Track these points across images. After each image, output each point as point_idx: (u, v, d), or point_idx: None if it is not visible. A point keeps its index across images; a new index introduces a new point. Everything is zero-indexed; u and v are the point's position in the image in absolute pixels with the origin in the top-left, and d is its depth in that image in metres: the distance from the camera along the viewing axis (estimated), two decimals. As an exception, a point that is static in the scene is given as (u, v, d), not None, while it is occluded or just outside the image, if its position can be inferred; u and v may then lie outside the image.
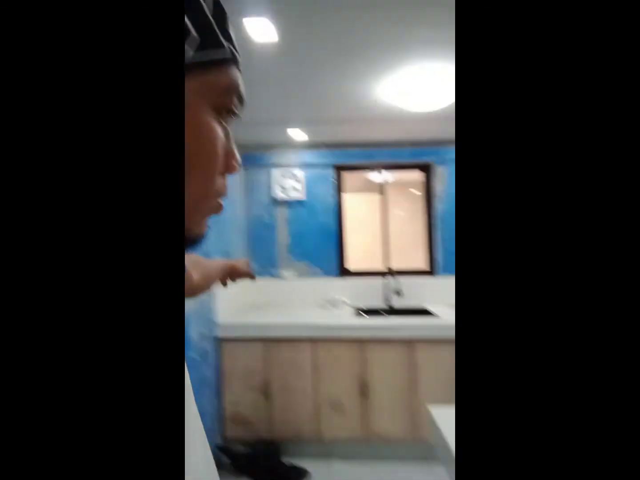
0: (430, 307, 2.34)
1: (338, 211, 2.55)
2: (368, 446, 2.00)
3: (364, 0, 1.08)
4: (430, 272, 2.57)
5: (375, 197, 2.93)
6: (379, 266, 2.61)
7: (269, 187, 2.54)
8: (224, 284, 0.78)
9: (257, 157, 2.52)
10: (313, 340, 1.99)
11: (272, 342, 2.00)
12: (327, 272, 2.52)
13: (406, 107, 1.80)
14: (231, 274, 0.78)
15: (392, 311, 2.36)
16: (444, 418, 0.85)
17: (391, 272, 2.43)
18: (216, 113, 0.25)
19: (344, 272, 2.56)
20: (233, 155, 0.28)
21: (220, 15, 0.25)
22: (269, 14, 1.14)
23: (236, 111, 0.27)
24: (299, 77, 1.56)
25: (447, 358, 1.95)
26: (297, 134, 2.29)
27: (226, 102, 0.26)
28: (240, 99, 0.28)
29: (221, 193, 0.28)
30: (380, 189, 2.66)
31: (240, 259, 0.85)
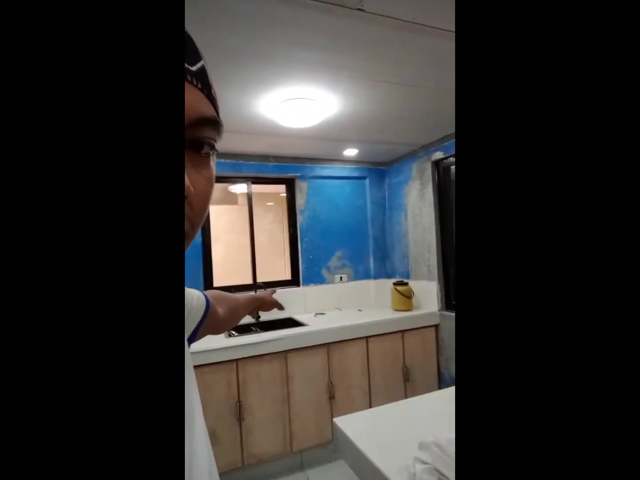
0: (297, 317, 2.45)
1: (203, 225, 2.40)
2: (245, 470, 1.95)
3: (259, 17, 1.07)
4: (295, 283, 2.69)
5: (238, 209, 2.88)
6: (246, 278, 2.58)
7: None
8: (256, 317, 0.79)
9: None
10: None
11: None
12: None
13: (282, 123, 1.85)
14: (260, 307, 0.83)
15: (262, 325, 2.37)
16: (345, 423, 0.92)
17: (258, 286, 2.44)
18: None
19: (210, 289, 2.41)
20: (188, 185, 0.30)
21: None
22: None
23: None
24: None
25: (317, 363, 2.08)
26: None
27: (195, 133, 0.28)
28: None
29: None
30: (247, 200, 2.64)
31: (266, 291, 0.90)
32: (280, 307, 0.88)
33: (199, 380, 1.79)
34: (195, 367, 1.80)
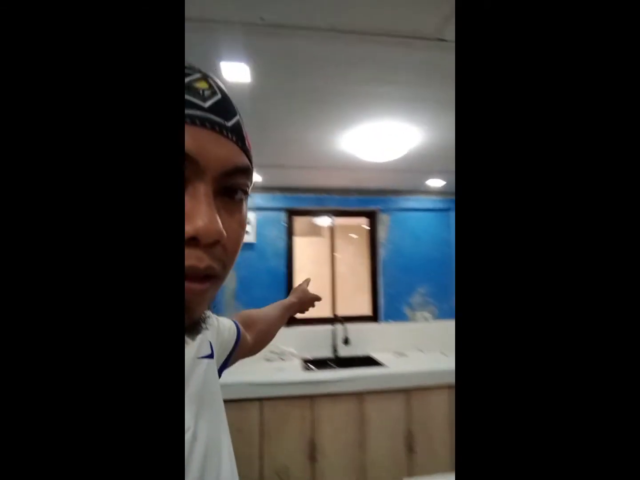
0: (375, 355, 2.33)
1: (288, 255, 2.48)
2: (316, 515, 1.85)
3: (338, 57, 1.10)
4: (374, 319, 2.59)
5: (321, 241, 2.93)
6: (326, 312, 2.56)
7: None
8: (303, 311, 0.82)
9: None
10: (261, 400, 1.83)
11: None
12: (274, 320, 2.39)
13: (364, 157, 1.86)
14: (299, 311, 0.82)
15: (339, 361, 2.30)
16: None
17: (338, 319, 2.40)
18: None
19: (291, 320, 2.45)
20: None
21: None
22: (245, 58, 1.10)
23: None
24: (264, 120, 1.52)
25: (394, 408, 1.92)
26: (254, 177, 2.22)
27: None
28: None
29: None
30: (329, 232, 2.67)
31: (302, 286, 0.86)
32: (319, 298, 0.86)
33: (274, 413, 1.80)
34: (270, 399, 1.81)
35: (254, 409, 1.82)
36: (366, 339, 2.46)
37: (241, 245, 0.30)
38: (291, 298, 0.82)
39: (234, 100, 1.16)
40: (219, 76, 1.17)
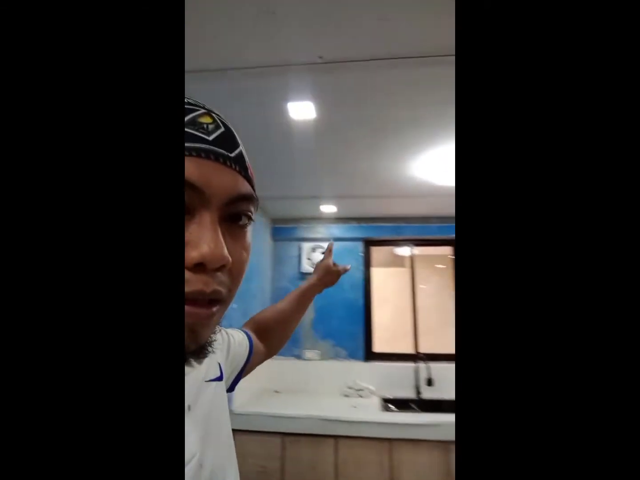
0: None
1: (365, 286, 2.43)
2: None
3: (398, 83, 1.08)
4: (465, 358, 2.34)
5: (402, 272, 2.81)
6: (407, 346, 2.41)
7: (298, 260, 2.48)
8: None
9: (286, 230, 2.50)
10: (336, 437, 1.76)
11: (290, 437, 1.78)
12: (352, 354, 2.32)
13: (438, 182, 1.76)
14: (324, 287, 0.76)
15: (422, 404, 2.11)
16: None
17: (421, 357, 2.22)
18: None
19: (370, 355, 2.36)
20: None
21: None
22: (309, 96, 1.15)
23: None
24: (333, 153, 1.56)
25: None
26: (328, 208, 2.27)
27: None
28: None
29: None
30: (410, 263, 2.56)
31: (320, 263, 0.78)
32: (347, 269, 0.79)
33: (350, 454, 1.70)
34: (346, 437, 1.73)
35: (328, 447, 1.75)
36: (453, 380, 2.22)
37: (246, 269, 0.31)
38: (311, 279, 0.76)
39: (301, 137, 1.21)
40: (287, 117, 1.25)
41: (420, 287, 2.53)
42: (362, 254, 2.46)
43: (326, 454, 1.75)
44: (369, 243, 2.49)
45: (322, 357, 2.34)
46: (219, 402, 0.41)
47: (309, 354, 2.34)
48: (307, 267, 2.42)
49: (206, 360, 0.34)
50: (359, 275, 2.43)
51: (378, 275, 2.75)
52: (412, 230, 2.47)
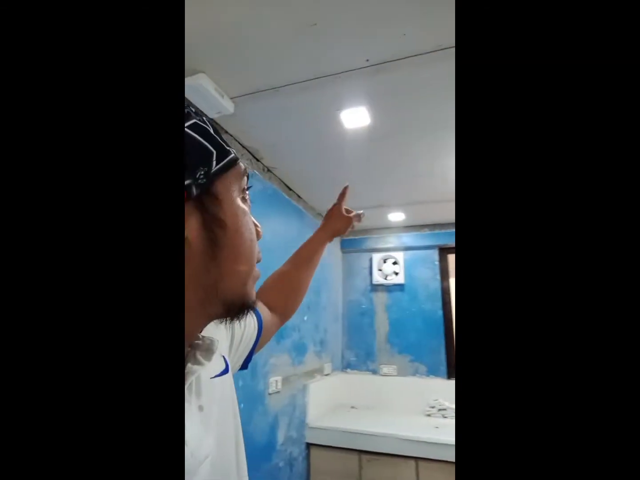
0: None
1: (443, 297, 2.27)
2: None
3: (446, 79, 1.01)
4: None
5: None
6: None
7: (369, 272, 2.43)
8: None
9: (356, 241, 2.48)
10: (416, 460, 1.64)
11: (367, 455, 1.71)
12: (432, 370, 2.17)
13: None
14: (336, 235, 0.70)
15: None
16: None
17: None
18: (241, 194, 0.35)
19: (453, 371, 2.18)
20: (257, 225, 0.37)
21: (217, 130, 0.34)
22: (362, 101, 1.14)
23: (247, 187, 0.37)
24: (391, 159, 1.51)
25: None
26: (397, 217, 2.20)
27: (244, 184, 0.36)
28: (247, 177, 0.37)
29: (259, 259, 0.36)
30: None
31: (330, 210, 0.72)
32: (360, 219, 0.72)
33: (429, 478, 1.57)
34: (426, 460, 1.60)
35: (409, 469, 1.64)
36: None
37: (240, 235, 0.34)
38: (320, 231, 0.69)
39: (356, 144, 1.21)
40: (341, 126, 1.25)
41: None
42: (438, 262, 2.31)
43: (405, 476, 1.63)
44: (445, 250, 2.34)
45: (400, 373, 2.23)
46: (227, 396, 0.40)
47: (385, 369, 2.25)
48: (378, 278, 2.35)
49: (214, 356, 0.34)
50: (435, 284, 2.28)
51: (459, 285, 2.56)
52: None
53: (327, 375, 2.10)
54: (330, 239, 0.69)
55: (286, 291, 0.63)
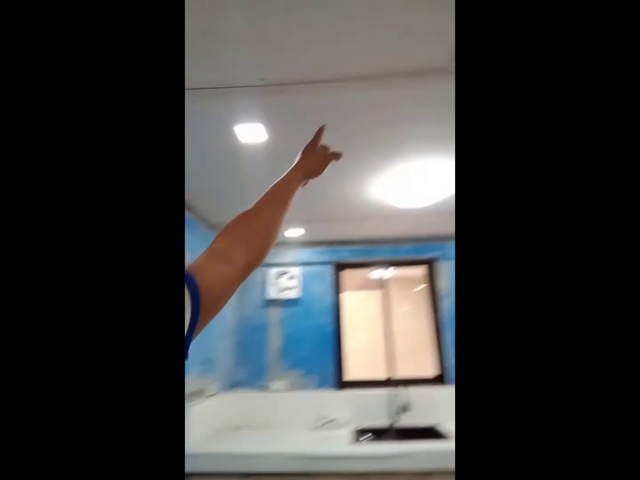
0: (443, 426, 2.00)
1: (336, 311, 2.37)
2: None
3: (348, 105, 1.07)
4: (441, 380, 2.28)
5: (375, 295, 2.77)
6: (383, 373, 2.33)
7: (262, 287, 2.40)
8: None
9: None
10: (306, 475, 1.64)
11: (253, 478, 1.65)
12: (323, 383, 2.23)
13: (396, 204, 1.76)
14: (311, 177, 0.62)
15: (398, 432, 2.02)
16: None
17: (396, 383, 2.15)
18: None
19: (342, 383, 2.27)
20: None
21: None
22: (259, 118, 1.13)
23: None
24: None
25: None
26: (296, 232, 2.23)
27: None
28: None
29: None
30: (381, 286, 2.52)
31: (306, 146, 0.63)
32: (338, 157, 0.64)
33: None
34: (315, 474, 1.62)
35: (296, 487, 1.64)
36: (431, 405, 2.15)
37: None
38: (292, 171, 0.61)
39: (252, 159, 1.17)
40: (235, 140, 1.22)
41: (394, 310, 2.48)
42: (333, 277, 2.41)
43: (293, 494, 1.63)
44: (340, 267, 2.45)
45: (290, 388, 2.23)
46: None
47: (275, 385, 2.23)
48: (273, 293, 2.34)
49: None
50: (329, 300, 2.37)
51: (351, 299, 2.70)
52: (384, 252, 2.44)
53: (211, 396, 1.98)
54: (305, 179, 0.62)
55: (251, 234, 0.52)
